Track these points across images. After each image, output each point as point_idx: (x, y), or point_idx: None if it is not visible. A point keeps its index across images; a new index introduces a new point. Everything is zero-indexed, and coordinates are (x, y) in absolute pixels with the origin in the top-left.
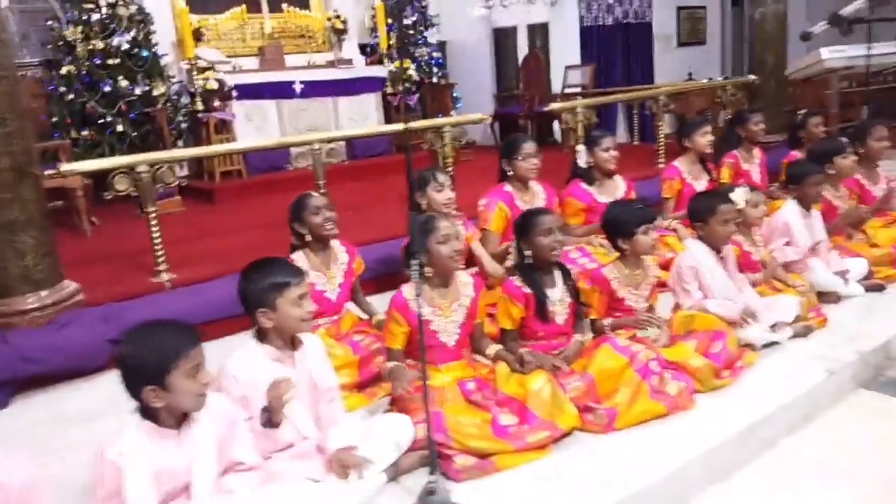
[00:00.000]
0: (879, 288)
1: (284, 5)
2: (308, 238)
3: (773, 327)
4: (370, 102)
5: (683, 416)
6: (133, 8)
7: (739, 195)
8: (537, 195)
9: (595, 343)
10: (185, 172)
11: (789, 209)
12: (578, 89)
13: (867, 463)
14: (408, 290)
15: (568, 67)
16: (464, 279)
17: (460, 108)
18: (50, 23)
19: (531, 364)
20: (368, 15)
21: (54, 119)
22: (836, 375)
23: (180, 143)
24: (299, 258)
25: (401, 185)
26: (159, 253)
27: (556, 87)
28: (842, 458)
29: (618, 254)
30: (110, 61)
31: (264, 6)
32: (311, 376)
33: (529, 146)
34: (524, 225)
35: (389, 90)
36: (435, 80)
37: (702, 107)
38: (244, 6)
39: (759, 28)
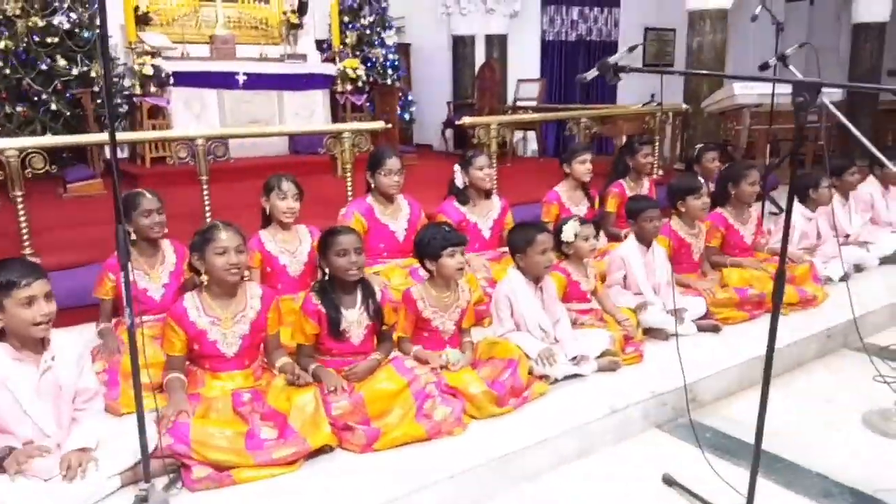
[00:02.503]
0: (715, 329)
1: None
2: (133, 237)
3: (575, 360)
4: (317, 99)
5: (449, 441)
6: None
7: (569, 229)
8: (401, 210)
9: (386, 362)
10: (123, 155)
11: (627, 244)
12: (533, 103)
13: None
14: (189, 299)
15: (521, 81)
16: (253, 291)
17: (413, 112)
18: None
19: (303, 379)
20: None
21: None
22: (623, 413)
23: (118, 125)
24: None
25: (325, 185)
26: (25, 237)
27: (511, 98)
28: (599, 496)
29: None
30: (49, 39)
31: None
32: (57, 378)
33: (392, 162)
34: (323, 243)
35: (339, 88)
36: (389, 81)
37: (631, 132)
38: None
39: (696, 57)
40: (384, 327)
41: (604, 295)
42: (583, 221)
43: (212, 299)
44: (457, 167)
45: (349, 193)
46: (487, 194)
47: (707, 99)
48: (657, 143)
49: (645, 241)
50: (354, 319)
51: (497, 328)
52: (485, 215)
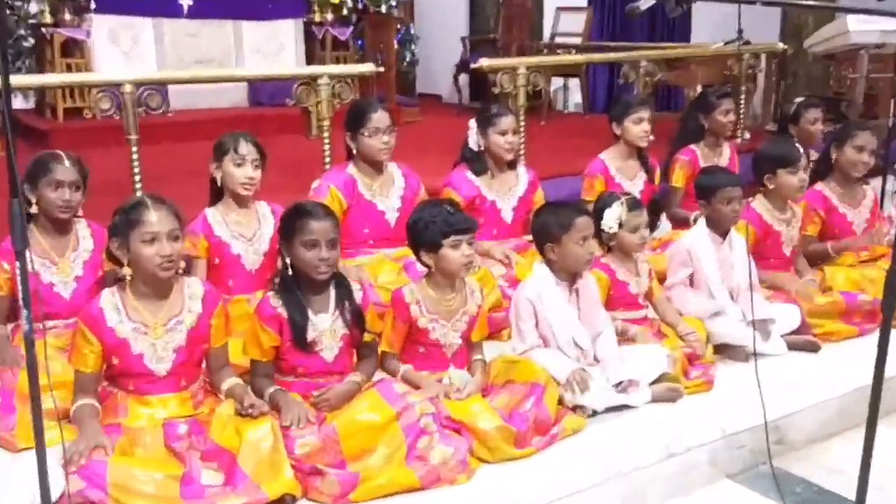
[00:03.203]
0: (812, 347)
1: None
2: (35, 211)
3: (621, 386)
4: (287, 32)
5: (450, 492)
6: None
7: (612, 215)
8: (392, 183)
9: (370, 386)
10: (28, 105)
11: (695, 232)
12: (577, 40)
13: None
14: (106, 299)
15: (560, 9)
16: (193, 290)
17: (416, 52)
18: None
19: (257, 408)
20: None
21: None
22: (684, 458)
23: (21, 65)
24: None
25: (295, 149)
26: None
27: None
28: None
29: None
30: None
31: None
32: None
33: (378, 118)
34: (286, 226)
35: (316, 18)
36: (384, 9)
37: (708, 81)
38: None
39: None
40: (367, 339)
41: (662, 300)
42: (632, 204)
43: (137, 300)
44: (472, 124)
45: (326, 160)
46: (512, 164)
47: (812, 36)
48: (743, 97)
49: (720, 228)
50: (326, 328)
51: (517, 343)
52: (507, 191)
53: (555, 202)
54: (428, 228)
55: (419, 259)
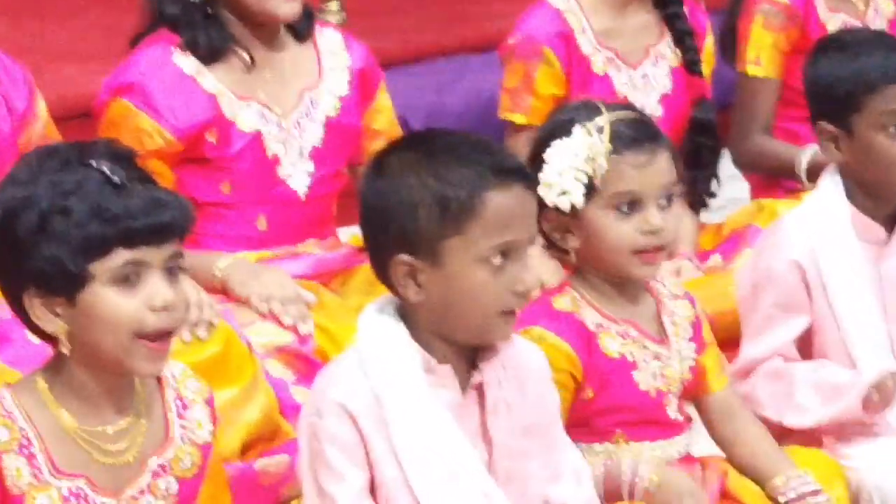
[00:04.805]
0: None
1: None
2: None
3: None
4: None
5: None
6: None
7: (566, 154)
8: None
9: None
10: None
11: (817, 212)
12: None
13: None
14: None
15: None
16: None
17: None
18: None
19: None
20: None
21: None
22: None
23: None
24: None
25: None
26: None
27: None
28: None
29: None
30: None
31: None
32: None
33: None
34: None
35: None
36: None
37: None
38: None
39: None
40: None
41: (730, 405)
42: (630, 127)
43: None
44: None
45: None
46: (300, 27)
47: None
48: None
49: (879, 198)
50: None
51: None
52: (294, 106)
53: (426, 132)
54: (48, 231)
55: (27, 322)
